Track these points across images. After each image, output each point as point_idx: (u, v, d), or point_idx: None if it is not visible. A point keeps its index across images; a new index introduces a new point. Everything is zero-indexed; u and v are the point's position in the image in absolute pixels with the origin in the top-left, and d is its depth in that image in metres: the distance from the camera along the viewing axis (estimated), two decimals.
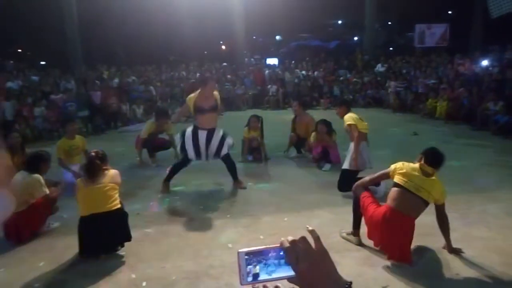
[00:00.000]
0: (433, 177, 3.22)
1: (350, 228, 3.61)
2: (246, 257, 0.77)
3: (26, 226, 3.82)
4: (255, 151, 6.72)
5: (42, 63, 20.32)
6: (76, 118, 8.86)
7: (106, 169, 3.59)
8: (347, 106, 5.05)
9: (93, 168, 3.51)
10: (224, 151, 4.98)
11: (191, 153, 4.89)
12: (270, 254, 0.77)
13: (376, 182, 3.85)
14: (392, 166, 3.34)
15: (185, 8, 17.21)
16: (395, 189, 3.22)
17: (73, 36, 14.89)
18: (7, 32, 18.67)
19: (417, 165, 3.28)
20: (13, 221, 3.76)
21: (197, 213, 4.45)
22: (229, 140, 5.04)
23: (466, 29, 16.94)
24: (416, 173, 3.20)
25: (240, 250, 0.77)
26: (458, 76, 12.11)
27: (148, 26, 18.57)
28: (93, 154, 3.62)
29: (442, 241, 3.35)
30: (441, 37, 16.19)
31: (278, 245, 0.77)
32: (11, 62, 15.29)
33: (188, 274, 3.11)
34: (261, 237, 3.72)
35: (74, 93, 11.05)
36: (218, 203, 4.73)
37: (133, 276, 3.12)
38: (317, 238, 0.77)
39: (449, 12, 23.81)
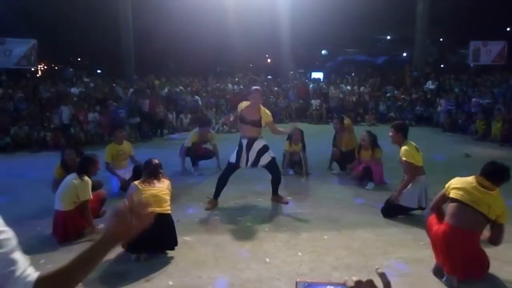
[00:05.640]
0: (493, 192, 2.98)
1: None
2: None
3: (73, 226, 4.00)
4: (296, 165, 6.66)
5: (98, 71, 21.62)
6: (127, 125, 9.23)
7: (164, 178, 3.88)
8: (404, 132, 4.47)
9: (157, 175, 3.79)
10: (266, 159, 4.95)
11: (233, 157, 4.96)
12: None
13: (437, 206, 3.33)
14: (447, 185, 3.18)
15: (233, 21, 17.62)
16: (452, 204, 3.04)
17: (128, 47, 15.65)
18: (69, 43, 20.11)
19: (472, 178, 3.08)
20: (61, 219, 3.97)
21: (236, 224, 4.45)
22: (270, 153, 5.02)
23: None
24: (473, 185, 3.01)
25: (298, 280, 0.74)
26: None
27: (197, 39, 19.20)
28: (156, 162, 3.88)
29: None
30: (498, 54, 15.35)
31: (341, 282, 0.73)
32: (71, 69, 16.39)
33: (223, 286, 3.10)
34: (300, 253, 3.64)
35: (125, 100, 11.59)
36: (258, 215, 4.72)
37: (170, 283, 3.16)
38: (387, 284, 0.73)
39: (508, 29, 22.57)
